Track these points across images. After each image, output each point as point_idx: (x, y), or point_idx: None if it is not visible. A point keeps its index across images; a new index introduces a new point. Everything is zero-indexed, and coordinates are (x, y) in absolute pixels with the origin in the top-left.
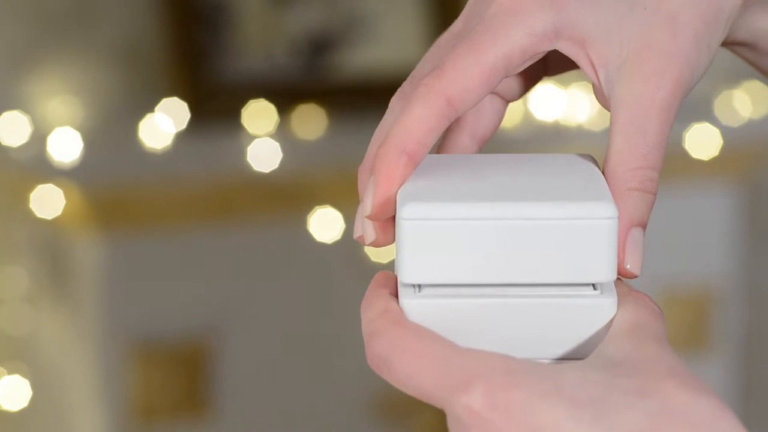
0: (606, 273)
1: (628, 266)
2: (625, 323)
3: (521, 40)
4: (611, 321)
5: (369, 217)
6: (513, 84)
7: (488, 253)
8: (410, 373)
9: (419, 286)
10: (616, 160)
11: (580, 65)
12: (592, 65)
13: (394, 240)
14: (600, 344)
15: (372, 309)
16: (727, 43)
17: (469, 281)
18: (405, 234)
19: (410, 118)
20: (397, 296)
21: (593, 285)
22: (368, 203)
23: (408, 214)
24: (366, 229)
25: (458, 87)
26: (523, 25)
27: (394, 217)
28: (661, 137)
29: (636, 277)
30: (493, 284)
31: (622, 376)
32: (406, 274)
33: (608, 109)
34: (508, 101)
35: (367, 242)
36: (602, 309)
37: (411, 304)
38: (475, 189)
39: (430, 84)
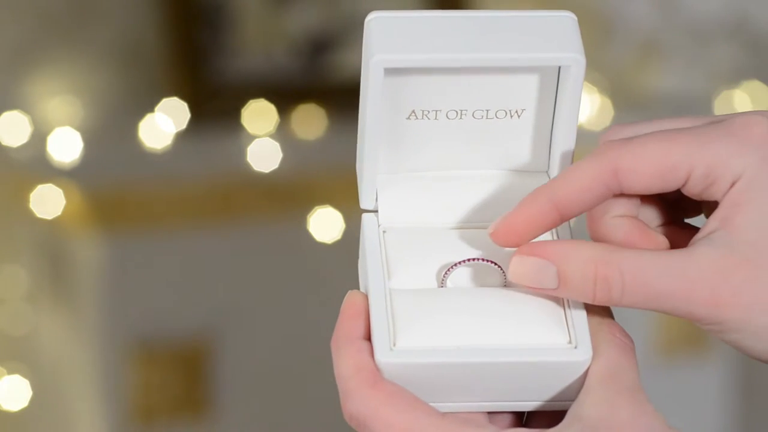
0: (572, 57)
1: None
2: (599, 373)
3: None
4: (587, 370)
5: (491, 235)
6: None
7: (454, 38)
8: None
9: (394, 343)
10: None
11: None
12: None
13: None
14: (576, 401)
15: (344, 362)
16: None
17: (438, 62)
18: (372, 29)
19: (570, 171)
20: (368, 325)
21: (569, 337)
22: (497, 221)
23: (371, 16)
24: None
25: (631, 163)
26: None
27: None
28: None
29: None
30: (460, 68)
31: None
32: (377, 59)
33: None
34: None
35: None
36: (577, 365)
37: (385, 364)
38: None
39: (607, 147)
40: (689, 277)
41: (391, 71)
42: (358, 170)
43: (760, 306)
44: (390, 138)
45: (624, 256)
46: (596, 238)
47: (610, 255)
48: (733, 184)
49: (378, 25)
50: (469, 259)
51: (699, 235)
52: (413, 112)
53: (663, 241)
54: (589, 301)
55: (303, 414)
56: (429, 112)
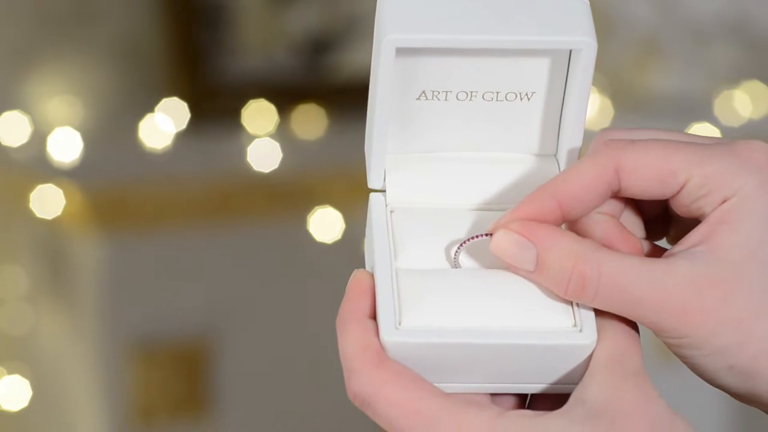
0: (583, 41)
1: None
2: (604, 357)
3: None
4: (591, 354)
5: (490, 230)
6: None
7: (466, 20)
8: (397, 426)
9: (400, 322)
10: None
11: None
12: None
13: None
14: (579, 384)
15: (349, 341)
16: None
17: (450, 43)
18: (384, 9)
19: (572, 169)
20: (374, 304)
21: (574, 320)
22: (499, 218)
23: None
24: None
25: (633, 163)
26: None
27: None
28: None
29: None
30: (471, 49)
31: None
32: (389, 38)
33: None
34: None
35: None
36: (582, 348)
37: (390, 343)
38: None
39: (609, 146)
40: (666, 287)
41: (402, 51)
42: (366, 150)
43: (722, 326)
44: (400, 118)
45: (606, 257)
46: (574, 230)
47: (593, 253)
48: (725, 201)
49: (390, 5)
50: (482, 235)
51: (679, 247)
52: (423, 92)
53: (640, 245)
54: (561, 295)
55: (303, 413)
56: (439, 93)
